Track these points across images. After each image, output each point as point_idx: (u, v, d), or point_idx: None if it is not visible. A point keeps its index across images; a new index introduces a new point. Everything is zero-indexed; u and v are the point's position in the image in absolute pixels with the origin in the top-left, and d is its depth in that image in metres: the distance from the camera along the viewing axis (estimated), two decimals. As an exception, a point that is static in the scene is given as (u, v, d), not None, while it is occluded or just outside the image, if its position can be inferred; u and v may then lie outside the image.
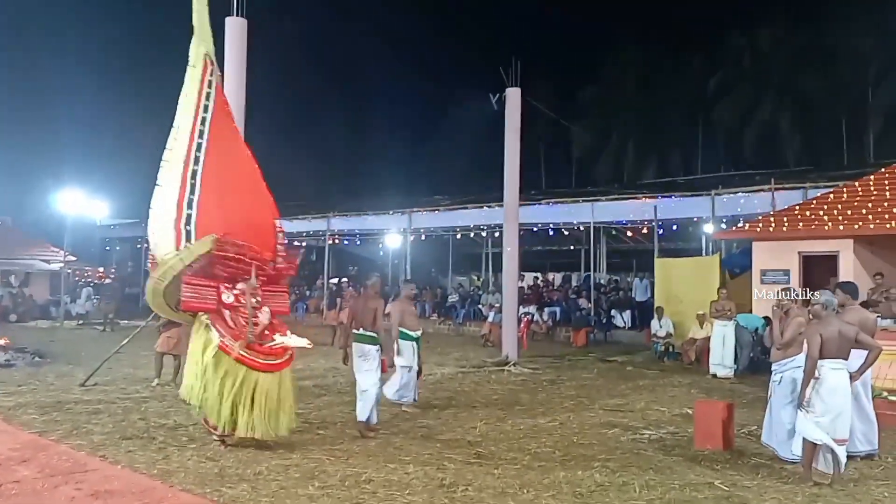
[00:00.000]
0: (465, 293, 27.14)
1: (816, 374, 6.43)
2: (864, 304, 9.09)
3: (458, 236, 27.63)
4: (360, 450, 7.53)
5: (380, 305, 8.61)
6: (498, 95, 15.45)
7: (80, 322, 25.18)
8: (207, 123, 7.60)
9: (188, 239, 7.29)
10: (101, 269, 33.16)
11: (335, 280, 29.03)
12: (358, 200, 32.96)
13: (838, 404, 6.50)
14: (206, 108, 7.67)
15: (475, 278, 31.60)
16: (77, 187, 27.24)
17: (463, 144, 39.32)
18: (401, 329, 9.74)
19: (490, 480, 6.45)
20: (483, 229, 26.17)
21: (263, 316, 7.47)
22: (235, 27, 11.69)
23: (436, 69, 45.25)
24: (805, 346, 6.73)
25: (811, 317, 6.86)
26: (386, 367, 8.90)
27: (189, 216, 7.32)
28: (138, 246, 36.71)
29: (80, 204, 27.14)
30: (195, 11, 7.92)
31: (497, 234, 23.28)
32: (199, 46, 7.91)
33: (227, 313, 7.30)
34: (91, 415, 9.09)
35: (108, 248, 38.12)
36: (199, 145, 7.50)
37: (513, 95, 15.40)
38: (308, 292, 29.36)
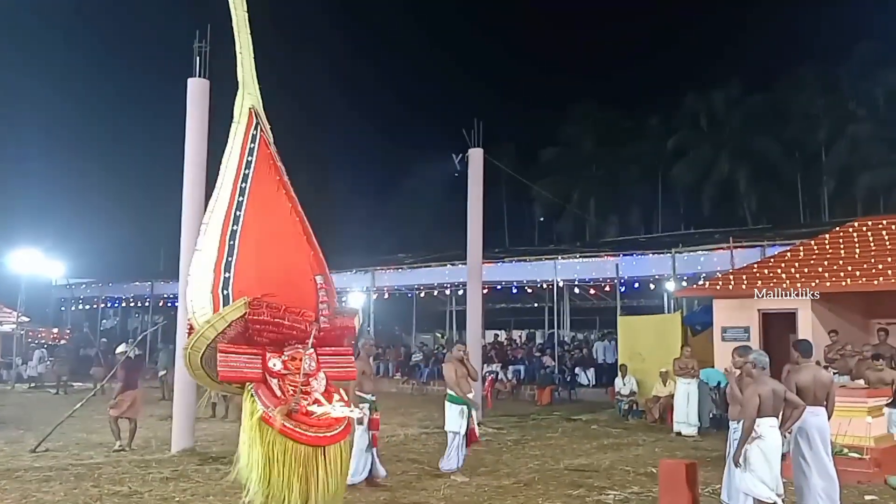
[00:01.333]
0: (428, 351, 26.93)
1: (756, 434, 6.48)
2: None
3: (422, 294, 27.57)
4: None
5: (367, 368, 8.64)
6: (461, 155, 15.66)
7: (33, 385, 24.34)
8: (249, 180, 7.06)
9: (225, 304, 6.60)
10: (56, 330, 32.33)
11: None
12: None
13: (776, 461, 6.55)
14: (248, 165, 7.08)
15: (439, 336, 31.45)
16: (31, 246, 26.71)
17: (426, 203, 39.68)
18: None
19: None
20: (447, 287, 26.18)
21: (318, 383, 6.40)
22: (197, 88, 11.74)
23: (400, 128, 45.97)
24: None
25: (742, 375, 6.92)
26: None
27: (227, 280, 6.58)
28: (94, 307, 36.11)
29: (34, 263, 26.57)
30: (240, 63, 7.19)
31: (461, 292, 23.32)
32: (245, 99, 7.25)
33: (274, 381, 6.25)
34: (41, 482, 8.76)
35: (63, 308, 37.26)
36: (240, 204, 6.86)
37: (475, 155, 15.62)
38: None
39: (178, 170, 11.81)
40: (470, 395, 9.51)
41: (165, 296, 31.19)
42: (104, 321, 38.54)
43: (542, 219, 45.19)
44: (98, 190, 43.46)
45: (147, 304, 33.55)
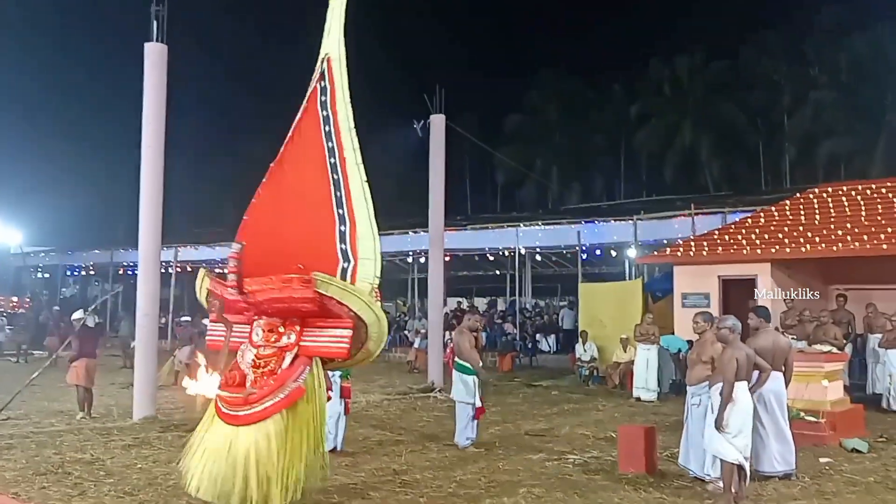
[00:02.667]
0: (390, 319, 26.89)
1: (733, 398, 6.55)
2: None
3: (384, 262, 27.40)
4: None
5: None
6: (422, 122, 15.48)
7: (-7, 353, 23.81)
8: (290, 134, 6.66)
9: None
10: (15, 299, 31.61)
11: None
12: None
13: (748, 423, 6.67)
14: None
15: (401, 304, 31.42)
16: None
17: (388, 170, 39.04)
18: None
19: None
20: (409, 255, 26.07)
21: (244, 356, 5.97)
22: (154, 53, 11.39)
23: (360, 94, 45.13)
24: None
25: (718, 341, 6.98)
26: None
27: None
28: (54, 275, 35.39)
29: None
30: (330, 10, 6.85)
31: (423, 260, 23.20)
32: (323, 49, 6.82)
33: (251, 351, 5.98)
34: (2, 450, 8.65)
35: (21, 276, 36.48)
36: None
37: (437, 122, 15.44)
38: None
39: (137, 136, 11.52)
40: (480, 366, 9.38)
41: (126, 264, 30.68)
42: (64, 289, 37.84)
43: (504, 185, 45.14)
44: (55, 157, 42.41)
45: (107, 272, 32.97)
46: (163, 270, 29.71)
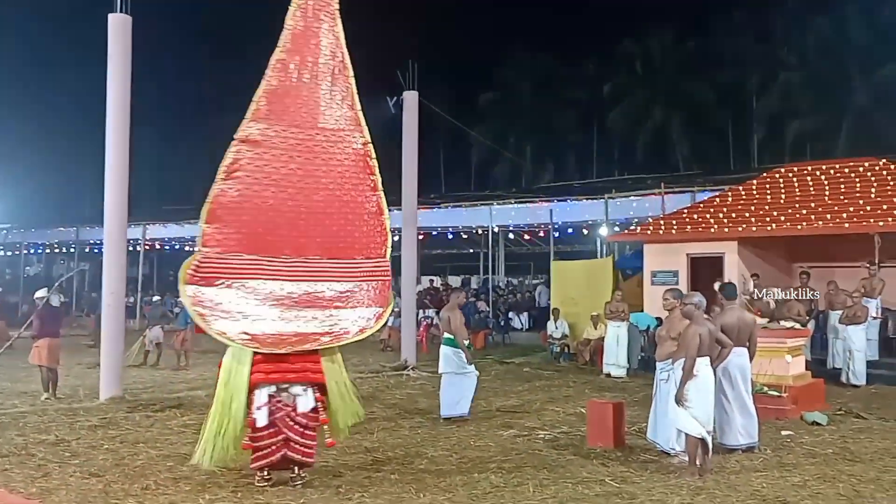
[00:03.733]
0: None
1: (695, 373, 6.70)
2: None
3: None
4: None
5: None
6: (395, 98, 15.38)
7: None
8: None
9: None
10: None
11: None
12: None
13: (710, 398, 6.84)
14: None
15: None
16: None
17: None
18: None
19: (386, 486, 6.37)
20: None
21: None
22: (118, 24, 11.19)
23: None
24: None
25: (684, 317, 7.12)
26: None
27: None
28: (17, 252, 34.72)
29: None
30: None
31: (396, 238, 23.17)
32: None
33: None
34: (-38, 433, 8.50)
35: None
36: None
37: (410, 98, 15.36)
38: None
39: (102, 109, 11.31)
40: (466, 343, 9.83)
41: (92, 241, 30.23)
42: (28, 268, 37.17)
43: (478, 164, 45.12)
44: (17, 132, 41.39)
45: (73, 250, 32.48)
46: (130, 248, 29.40)
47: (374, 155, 6.58)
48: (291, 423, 6.22)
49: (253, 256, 6.36)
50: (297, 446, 6.23)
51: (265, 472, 6.33)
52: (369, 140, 6.51)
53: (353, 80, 6.58)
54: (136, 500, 5.95)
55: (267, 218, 6.42)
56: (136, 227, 28.24)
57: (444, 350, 9.69)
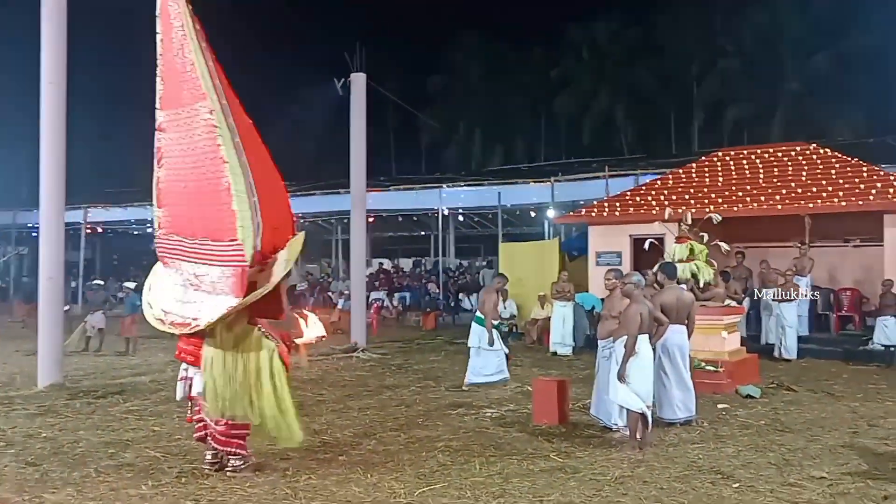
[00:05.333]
0: (314, 281, 26.79)
1: (636, 350, 6.91)
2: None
3: (307, 223, 27.23)
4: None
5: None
6: (343, 80, 15.25)
7: None
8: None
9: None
10: None
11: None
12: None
13: (650, 374, 7.09)
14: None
15: (325, 265, 31.30)
16: None
17: (310, 130, 38.70)
18: None
19: (334, 467, 6.42)
20: (332, 216, 25.95)
21: None
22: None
23: (280, 51, 43.92)
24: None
25: (624, 296, 7.33)
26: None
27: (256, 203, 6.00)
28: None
29: None
30: None
31: (346, 221, 23.14)
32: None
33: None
34: None
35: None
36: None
37: (358, 81, 15.27)
38: (147, 283, 27.84)
39: (37, 89, 10.92)
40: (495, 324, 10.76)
41: (30, 225, 29.36)
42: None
43: (428, 147, 45.14)
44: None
45: (9, 233, 31.49)
46: (71, 232, 28.60)
47: (219, 123, 5.96)
48: (200, 405, 6.26)
49: (177, 237, 6.44)
50: (208, 428, 6.25)
51: (210, 457, 6.32)
52: (216, 107, 5.97)
53: (194, 46, 6.06)
54: (74, 488, 5.85)
55: (178, 200, 6.46)
56: (76, 210, 27.52)
57: (474, 327, 10.85)
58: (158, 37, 6.39)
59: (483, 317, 10.62)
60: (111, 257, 36.90)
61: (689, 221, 10.83)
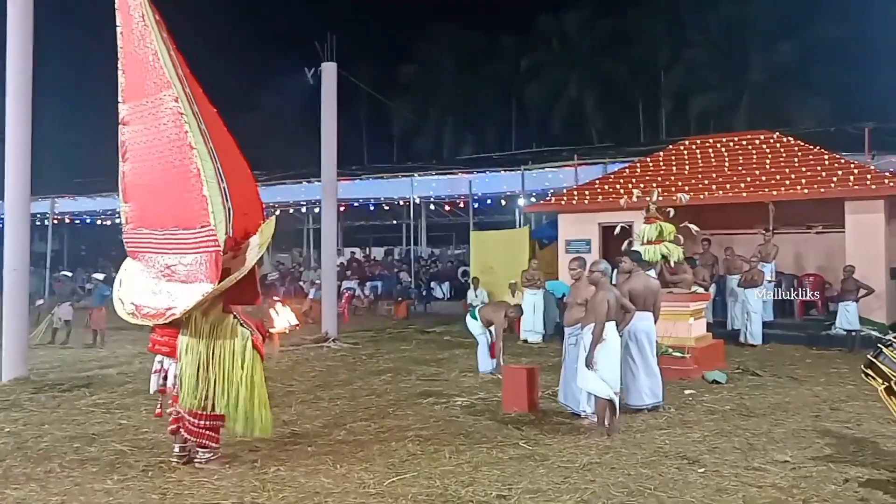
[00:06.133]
0: (285, 270, 26.64)
1: (603, 338, 6.98)
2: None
3: (278, 212, 27.03)
4: (167, 439, 7.17)
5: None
6: (314, 69, 15.15)
7: None
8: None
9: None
10: None
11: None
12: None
13: (617, 361, 7.16)
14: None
15: (296, 254, 31.14)
16: None
17: (281, 119, 38.38)
18: None
19: (303, 458, 6.41)
20: (303, 205, 25.81)
21: None
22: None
23: (251, 39, 43.41)
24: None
25: (590, 284, 7.39)
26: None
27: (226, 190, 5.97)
28: None
29: None
30: None
31: (318, 210, 23.03)
32: None
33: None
34: None
35: None
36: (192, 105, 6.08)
37: (329, 70, 15.16)
38: (115, 274, 27.44)
39: (2, 80, 10.75)
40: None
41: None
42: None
43: (400, 135, 45.01)
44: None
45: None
46: (38, 223, 28.04)
47: (185, 110, 5.93)
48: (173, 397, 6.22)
49: (146, 231, 6.45)
50: (185, 422, 6.19)
51: (178, 450, 6.27)
52: (180, 94, 5.94)
53: (156, 35, 6.03)
54: (38, 483, 5.77)
55: (145, 193, 6.44)
56: (43, 201, 27.04)
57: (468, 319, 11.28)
58: (118, 29, 6.35)
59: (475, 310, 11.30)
60: (79, 248, 36.32)
61: (657, 199, 10.93)
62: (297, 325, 6.98)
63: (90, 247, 36.70)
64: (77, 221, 32.16)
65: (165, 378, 6.22)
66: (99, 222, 32.52)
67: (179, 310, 5.93)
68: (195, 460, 6.19)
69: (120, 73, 6.40)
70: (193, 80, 6.16)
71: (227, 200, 5.89)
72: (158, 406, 6.50)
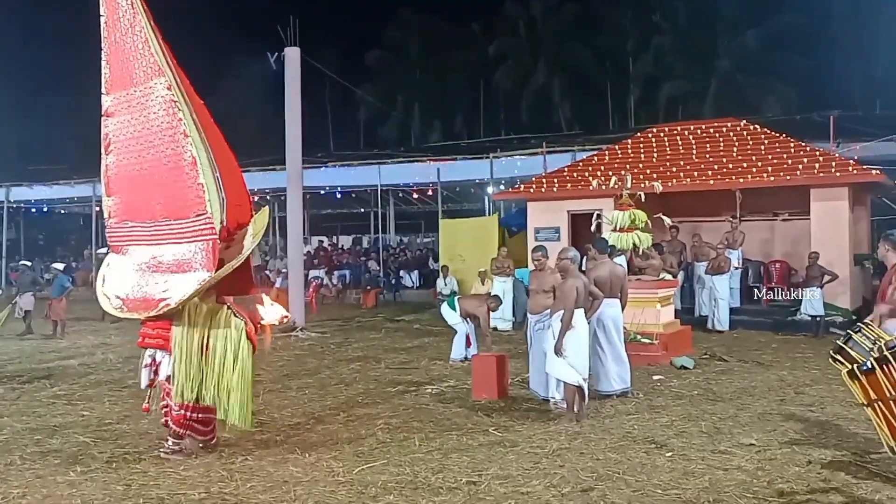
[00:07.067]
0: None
1: (572, 325, 6.98)
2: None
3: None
4: (131, 429, 7.06)
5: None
6: (277, 54, 14.92)
7: None
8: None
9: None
10: None
11: (104, 250, 26.93)
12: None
13: (586, 348, 7.18)
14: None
15: (262, 243, 30.79)
16: None
17: (244, 105, 37.86)
18: None
19: (271, 448, 6.34)
20: (267, 193, 25.49)
21: None
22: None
23: (213, 24, 42.62)
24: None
25: (559, 271, 7.38)
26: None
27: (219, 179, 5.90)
28: None
29: None
30: None
31: (283, 198, 22.76)
32: None
33: None
34: None
35: None
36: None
37: (292, 55, 14.93)
38: (75, 264, 26.95)
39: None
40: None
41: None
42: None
43: (366, 122, 44.71)
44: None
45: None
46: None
47: (179, 98, 5.89)
48: (165, 391, 6.12)
49: (132, 223, 6.38)
50: (171, 413, 6.10)
51: (169, 442, 6.15)
52: (173, 83, 5.89)
53: (146, 23, 5.96)
54: (-3, 476, 5.63)
55: (132, 185, 6.35)
56: (-2, 189, 26.39)
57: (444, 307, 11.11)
58: (102, 19, 6.24)
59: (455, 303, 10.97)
60: (37, 236, 35.55)
61: (629, 185, 10.97)
62: (288, 316, 6.96)
63: (48, 236, 35.95)
64: (34, 210, 31.43)
65: (156, 372, 6.12)
66: (57, 211, 31.83)
67: (175, 300, 5.89)
68: (161, 450, 6.09)
69: (104, 63, 6.30)
70: (180, 69, 6.08)
71: (220, 190, 5.85)
72: (147, 400, 6.32)
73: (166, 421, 6.17)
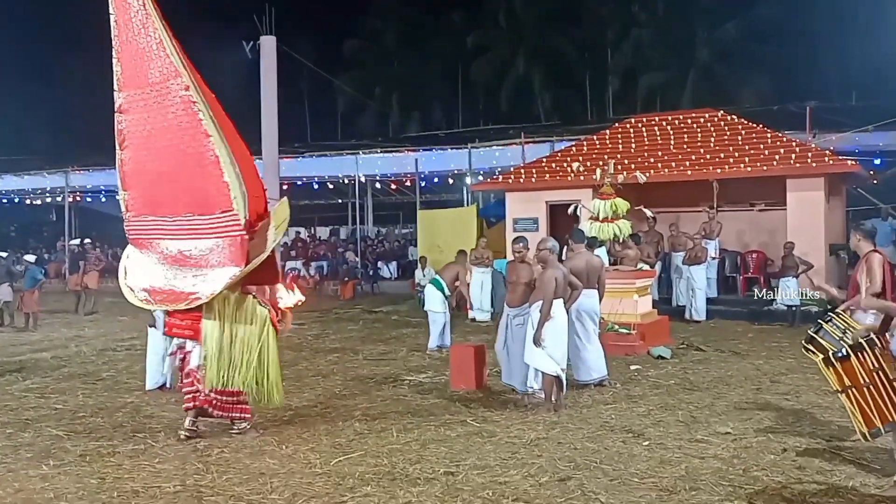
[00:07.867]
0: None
1: (551, 315, 6.97)
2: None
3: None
4: (105, 423, 6.97)
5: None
6: (252, 43, 14.76)
7: None
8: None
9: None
10: None
11: (77, 241, 26.55)
12: (101, 154, 30.12)
13: (564, 338, 7.18)
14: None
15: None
16: None
17: (219, 95, 37.39)
18: None
19: (247, 440, 6.28)
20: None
21: None
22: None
23: (187, 11, 42.05)
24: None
25: (539, 262, 7.36)
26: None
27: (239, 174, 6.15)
28: None
29: None
30: None
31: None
32: None
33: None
34: None
35: None
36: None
37: (267, 44, 14.80)
38: (48, 256, 26.55)
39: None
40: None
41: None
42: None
43: (344, 112, 44.39)
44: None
45: None
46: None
47: (197, 98, 6.08)
48: (194, 378, 6.42)
49: (152, 217, 6.59)
50: (203, 398, 6.36)
51: (187, 424, 6.38)
52: (190, 83, 6.06)
53: (159, 24, 6.09)
54: (-31, 472, 5.53)
55: (150, 180, 6.54)
56: (-34, 180, 25.90)
57: (429, 290, 11.23)
58: (112, 18, 6.32)
59: (440, 280, 11.13)
60: (8, 228, 34.98)
61: (613, 171, 10.99)
62: (302, 300, 7.45)
63: (20, 227, 35.39)
64: (4, 201, 30.93)
65: (183, 360, 6.50)
66: (28, 202, 31.33)
67: (205, 294, 6.17)
68: (233, 431, 6.42)
69: (115, 61, 6.40)
70: (193, 66, 6.21)
71: (241, 185, 6.10)
72: (180, 381, 6.71)
73: (191, 406, 6.39)
